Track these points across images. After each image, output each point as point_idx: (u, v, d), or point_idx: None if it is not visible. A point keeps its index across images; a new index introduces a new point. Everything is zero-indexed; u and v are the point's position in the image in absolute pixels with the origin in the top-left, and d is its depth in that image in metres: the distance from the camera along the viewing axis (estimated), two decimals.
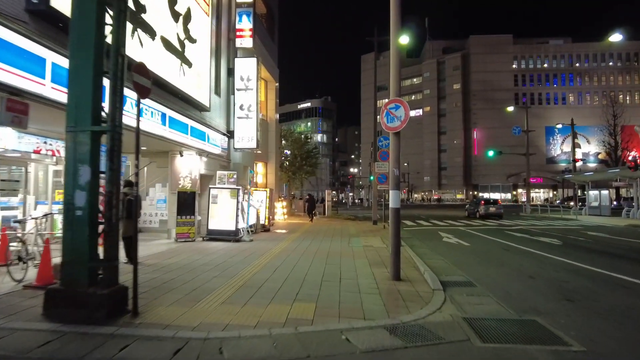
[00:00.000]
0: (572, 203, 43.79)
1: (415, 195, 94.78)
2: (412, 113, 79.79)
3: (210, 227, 12.50)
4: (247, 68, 15.36)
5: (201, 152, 12.77)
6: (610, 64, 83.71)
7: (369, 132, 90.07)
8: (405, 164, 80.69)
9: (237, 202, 12.53)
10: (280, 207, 21.96)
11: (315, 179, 73.15)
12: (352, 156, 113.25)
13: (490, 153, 35.95)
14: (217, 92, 14.46)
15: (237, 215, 12.39)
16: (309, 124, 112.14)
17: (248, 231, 13.19)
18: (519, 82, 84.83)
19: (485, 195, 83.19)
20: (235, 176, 13.07)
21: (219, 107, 14.56)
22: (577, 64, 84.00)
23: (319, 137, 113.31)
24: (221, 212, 12.50)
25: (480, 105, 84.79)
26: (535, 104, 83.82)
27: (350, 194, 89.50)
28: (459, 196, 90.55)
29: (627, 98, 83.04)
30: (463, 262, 9.56)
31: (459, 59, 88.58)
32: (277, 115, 22.91)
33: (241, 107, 15.17)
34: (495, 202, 28.62)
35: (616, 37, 24.56)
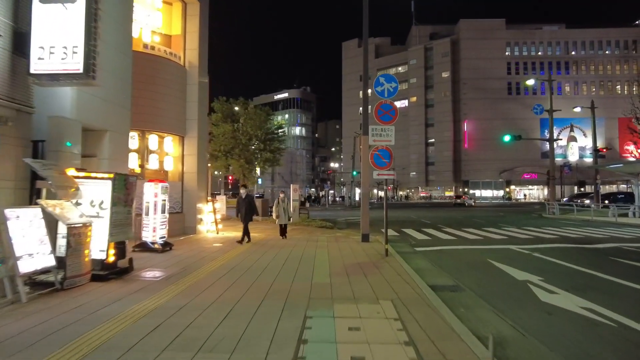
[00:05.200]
0: (587, 201, 36.64)
1: (401, 193, 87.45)
2: (397, 104, 71.59)
3: None
4: None
5: None
6: (607, 52, 78.03)
7: (352, 125, 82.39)
8: None
9: None
10: (209, 213, 13.52)
11: (290, 174, 64.70)
12: (333, 149, 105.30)
13: (507, 138, 28.25)
14: None
15: None
16: (287, 116, 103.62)
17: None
18: (512, 70, 78.31)
19: (477, 192, 76.72)
20: None
21: None
22: (573, 52, 78.07)
23: (297, 130, 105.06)
24: None
25: (471, 94, 77.96)
26: (529, 94, 77.55)
27: (331, 191, 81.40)
28: (447, 193, 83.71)
29: (625, 88, 77.64)
30: None
31: (447, 45, 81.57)
32: (205, 65, 14.40)
33: None
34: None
35: None
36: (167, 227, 9.76)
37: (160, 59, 12.65)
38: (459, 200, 53.93)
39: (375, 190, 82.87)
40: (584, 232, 15.82)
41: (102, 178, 6.30)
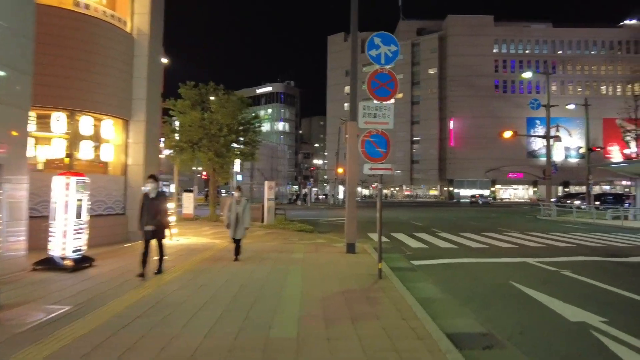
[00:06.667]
0: (577, 202, 35.27)
1: (385, 192, 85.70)
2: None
3: None
4: None
5: None
6: (594, 52, 77.62)
7: (336, 122, 79.67)
8: None
9: None
10: None
11: (271, 171, 61.95)
12: (317, 145, 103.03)
13: (507, 134, 26.43)
14: None
15: None
16: (270, 110, 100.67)
17: None
18: (500, 68, 77.18)
19: (461, 192, 75.45)
20: None
21: None
22: (560, 51, 77.40)
23: (280, 126, 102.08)
24: None
25: (458, 92, 76.55)
26: (516, 92, 76.73)
27: (314, 189, 79.00)
28: (432, 192, 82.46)
29: (609, 89, 77.56)
30: None
31: (435, 41, 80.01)
32: (158, 35, 11.87)
33: None
34: None
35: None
36: (87, 236, 7.27)
37: (98, 21, 10.06)
38: (473, 199, 59.42)
39: (359, 189, 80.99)
40: (598, 238, 13.87)
41: None
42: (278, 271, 7.24)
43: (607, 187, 70.21)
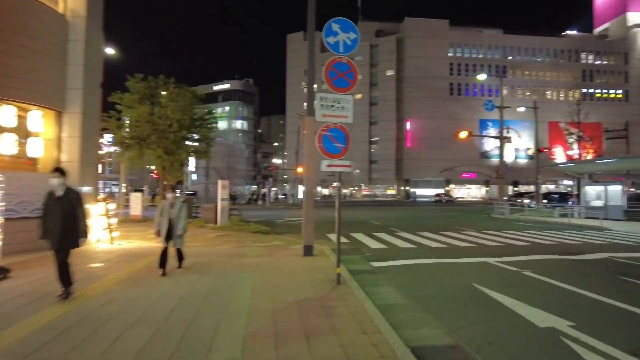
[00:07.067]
0: (526, 200, 36.82)
1: (344, 191, 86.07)
2: None
3: None
4: None
5: None
6: (540, 59, 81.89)
7: (296, 121, 78.79)
8: None
9: None
10: (101, 217, 10.04)
11: (228, 169, 60.28)
12: (277, 144, 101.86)
13: (463, 134, 26.68)
14: None
15: None
16: (228, 108, 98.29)
17: None
18: (454, 71, 79.65)
19: (417, 191, 77.10)
20: None
21: None
22: (510, 57, 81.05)
23: (238, 124, 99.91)
24: None
25: (414, 93, 78.30)
26: (469, 95, 79.52)
27: (274, 188, 77.85)
28: (389, 191, 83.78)
29: (554, 94, 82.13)
30: None
31: (393, 43, 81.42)
32: (97, 17, 10.79)
33: None
34: None
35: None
36: (0, 242, 6.24)
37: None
38: (437, 198, 60.87)
39: (319, 188, 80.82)
40: (551, 236, 14.18)
41: None
42: (226, 279, 6.54)
43: (552, 187, 74.13)
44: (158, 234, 6.89)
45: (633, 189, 38.28)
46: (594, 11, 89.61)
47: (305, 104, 9.97)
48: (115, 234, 10.67)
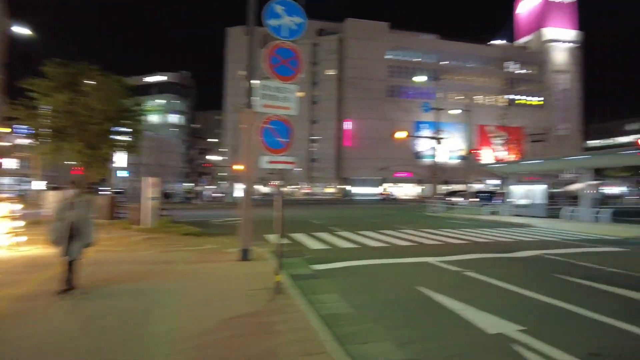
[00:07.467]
0: (458, 199, 38.76)
1: (284, 190, 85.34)
2: None
3: None
4: None
5: None
6: (471, 65, 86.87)
7: (235, 117, 76.56)
8: None
9: None
10: (2, 219, 8.59)
11: (159, 166, 57.04)
12: (215, 140, 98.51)
13: (402, 134, 27.17)
14: None
15: None
16: (162, 101, 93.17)
17: None
18: (393, 73, 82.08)
19: (355, 189, 78.53)
20: None
21: None
22: (446, 62, 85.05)
23: (172, 118, 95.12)
24: None
25: (354, 94, 79.66)
26: (404, 97, 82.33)
27: (212, 186, 75.00)
28: (328, 190, 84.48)
29: (483, 99, 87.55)
30: None
31: (335, 43, 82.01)
32: None
33: None
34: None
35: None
36: None
37: None
38: (383, 196, 65.16)
39: (258, 186, 79.32)
40: (484, 234, 14.67)
41: None
42: (145, 294, 5.64)
43: (480, 186, 79.06)
44: (55, 243, 5.41)
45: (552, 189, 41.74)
46: (515, 24, 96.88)
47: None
48: (23, 238, 9.21)
